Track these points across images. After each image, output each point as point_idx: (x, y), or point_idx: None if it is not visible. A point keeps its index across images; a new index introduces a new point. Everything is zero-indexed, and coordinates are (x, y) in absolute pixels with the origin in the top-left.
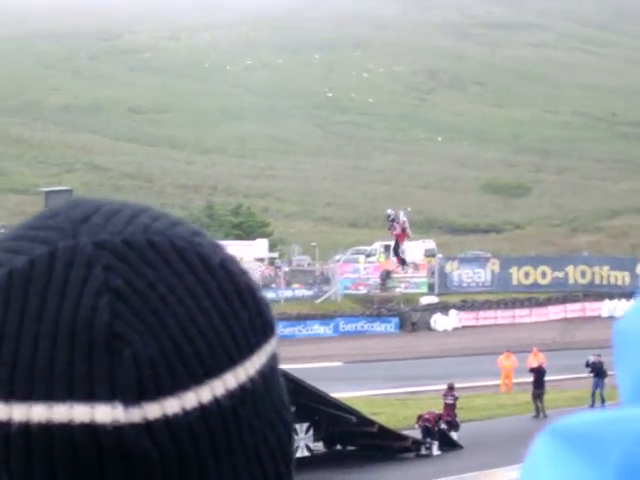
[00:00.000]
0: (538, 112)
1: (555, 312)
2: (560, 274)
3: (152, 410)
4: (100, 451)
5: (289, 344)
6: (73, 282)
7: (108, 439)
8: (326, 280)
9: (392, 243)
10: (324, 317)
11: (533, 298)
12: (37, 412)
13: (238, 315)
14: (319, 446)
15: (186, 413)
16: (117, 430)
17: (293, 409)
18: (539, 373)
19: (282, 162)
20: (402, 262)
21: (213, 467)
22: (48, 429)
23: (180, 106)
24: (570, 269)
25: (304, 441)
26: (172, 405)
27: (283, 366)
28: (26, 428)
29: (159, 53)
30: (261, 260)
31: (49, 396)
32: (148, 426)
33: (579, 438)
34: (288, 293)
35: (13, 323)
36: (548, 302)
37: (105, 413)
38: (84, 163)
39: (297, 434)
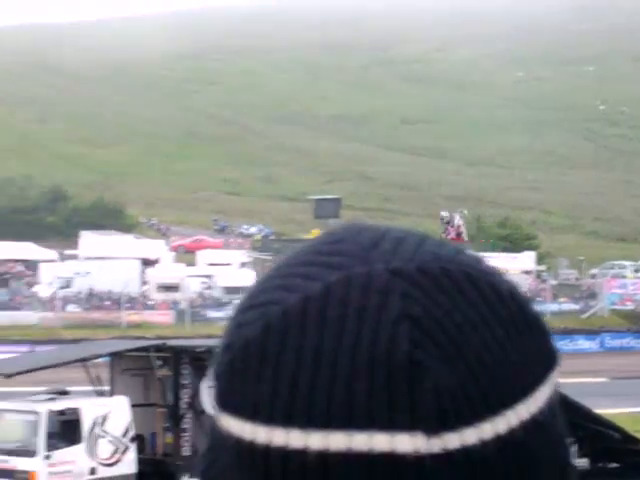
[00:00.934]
0: None
1: None
2: None
3: (452, 440)
4: None
5: None
6: (370, 309)
7: (408, 470)
8: (593, 295)
9: None
10: (590, 332)
11: None
12: (336, 441)
13: (528, 345)
14: (584, 462)
15: (483, 444)
16: (418, 461)
17: None
18: None
19: (549, 175)
20: None
21: None
22: (347, 458)
23: (449, 117)
24: None
25: None
26: (470, 436)
27: None
28: (324, 457)
29: (429, 64)
30: (528, 273)
31: (348, 425)
32: (448, 457)
33: None
34: (554, 307)
35: (310, 350)
36: None
37: (406, 443)
38: (353, 172)
39: None
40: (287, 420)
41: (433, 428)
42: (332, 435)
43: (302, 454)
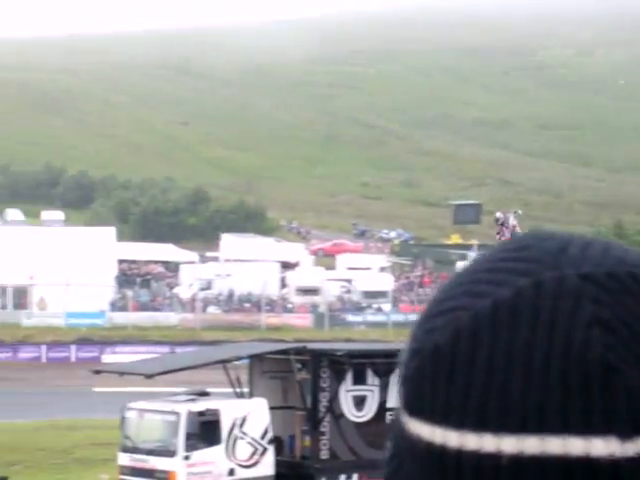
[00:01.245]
0: None
1: None
2: None
3: None
4: None
5: None
6: (562, 314)
7: (602, 473)
8: None
9: None
10: None
11: None
12: (530, 445)
13: None
14: None
15: None
16: (612, 464)
17: None
18: None
19: None
20: None
21: None
22: (540, 462)
23: (591, 123)
24: None
25: None
26: None
27: None
28: (517, 461)
29: (572, 69)
30: None
31: (543, 429)
32: None
33: None
34: None
35: (502, 354)
36: None
37: (600, 447)
38: (493, 177)
39: None
40: (479, 424)
41: (627, 432)
42: (526, 439)
43: (495, 458)
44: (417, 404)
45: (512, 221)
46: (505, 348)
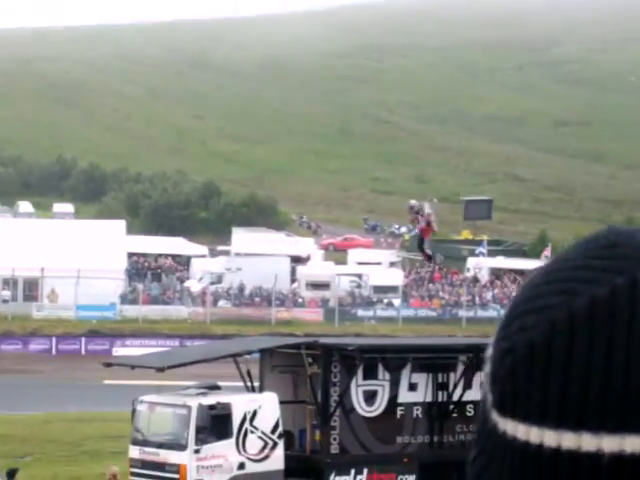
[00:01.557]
0: None
1: None
2: None
3: None
4: None
5: None
6: None
7: None
8: None
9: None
10: None
11: None
12: (632, 443)
13: None
14: None
15: None
16: None
17: None
18: None
19: None
20: (428, 258)
21: None
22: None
23: (606, 119)
24: None
25: None
26: None
27: None
28: (618, 459)
29: (587, 65)
30: None
31: None
32: None
33: None
34: None
35: (600, 353)
36: None
37: None
38: (505, 173)
39: None
40: (578, 424)
41: None
42: (627, 438)
43: (595, 457)
44: (511, 403)
45: (428, 209)
46: (603, 346)
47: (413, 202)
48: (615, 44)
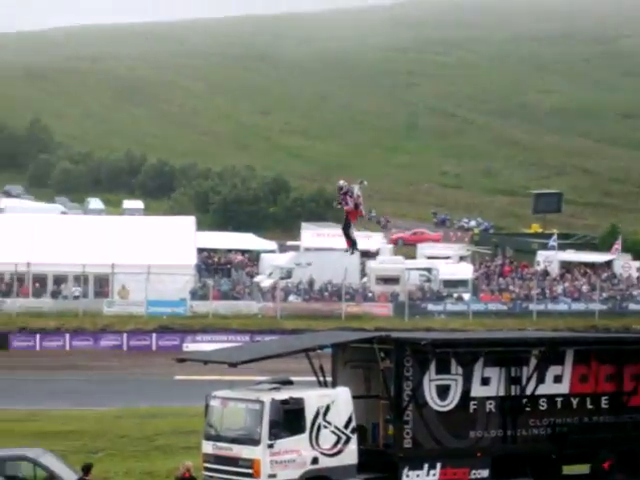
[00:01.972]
0: None
1: None
2: None
3: None
4: None
5: None
6: None
7: None
8: None
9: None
10: None
11: None
12: None
13: None
14: None
15: None
16: None
17: None
18: None
19: None
20: (352, 245)
21: None
22: None
23: None
24: None
25: None
26: None
27: None
28: None
29: None
30: None
31: None
32: None
33: None
34: None
35: None
36: None
37: None
38: (574, 166)
39: None
40: None
41: None
42: None
43: None
44: None
45: (357, 191)
46: None
47: (342, 182)
48: None
